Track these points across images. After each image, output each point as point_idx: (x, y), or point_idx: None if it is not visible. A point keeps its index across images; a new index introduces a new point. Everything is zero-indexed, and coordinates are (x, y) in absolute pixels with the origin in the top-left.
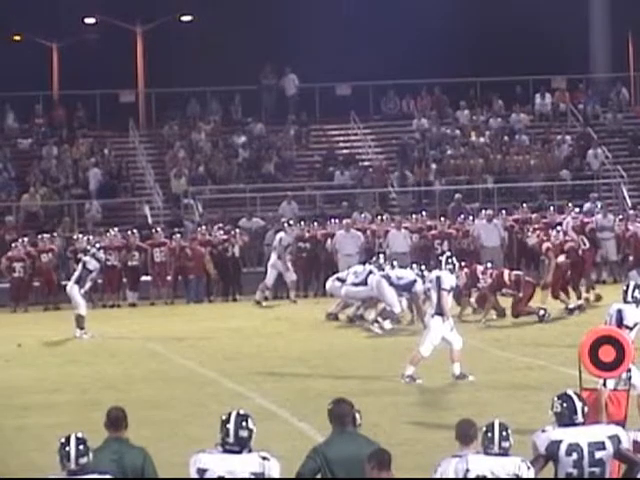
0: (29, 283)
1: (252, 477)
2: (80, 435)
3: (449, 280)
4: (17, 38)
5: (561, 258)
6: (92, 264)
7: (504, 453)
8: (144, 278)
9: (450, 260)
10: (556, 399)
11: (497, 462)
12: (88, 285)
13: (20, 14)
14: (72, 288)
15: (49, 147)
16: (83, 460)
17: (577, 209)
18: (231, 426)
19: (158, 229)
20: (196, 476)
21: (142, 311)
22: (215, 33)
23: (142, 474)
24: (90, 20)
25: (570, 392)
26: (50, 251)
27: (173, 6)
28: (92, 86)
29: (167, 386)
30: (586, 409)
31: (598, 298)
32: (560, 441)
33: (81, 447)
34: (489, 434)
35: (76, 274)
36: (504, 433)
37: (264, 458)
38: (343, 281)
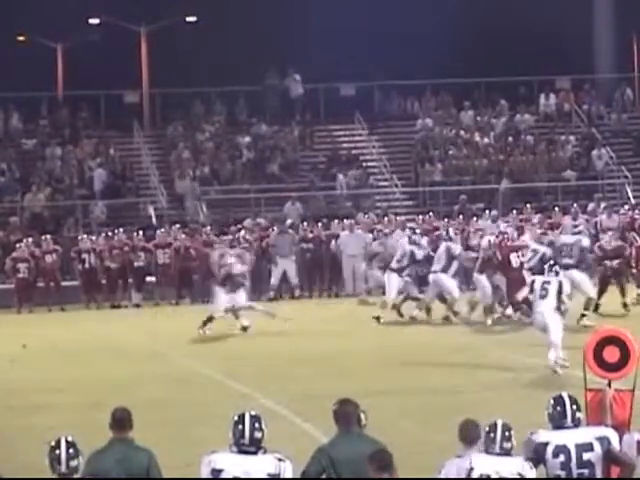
0: (33, 284)
1: (268, 477)
2: (70, 438)
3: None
4: (21, 39)
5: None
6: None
7: (506, 453)
8: (149, 279)
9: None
10: (551, 400)
11: (501, 461)
12: None
13: (24, 14)
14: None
15: (53, 148)
16: (73, 463)
17: (627, 206)
18: (246, 427)
19: (162, 229)
20: (209, 476)
21: (147, 312)
22: (219, 34)
23: (147, 475)
24: (94, 21)
25: (565, 395)
26: (54, 252)
27: (177, 7)
28: (96, 87)
29: (172, 387)
30: (579, 414)
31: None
32: (547, 443)
33: (71, 450)
34: (491, 434)
35: None
36: (507, 433)
37: (280, 459)
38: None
